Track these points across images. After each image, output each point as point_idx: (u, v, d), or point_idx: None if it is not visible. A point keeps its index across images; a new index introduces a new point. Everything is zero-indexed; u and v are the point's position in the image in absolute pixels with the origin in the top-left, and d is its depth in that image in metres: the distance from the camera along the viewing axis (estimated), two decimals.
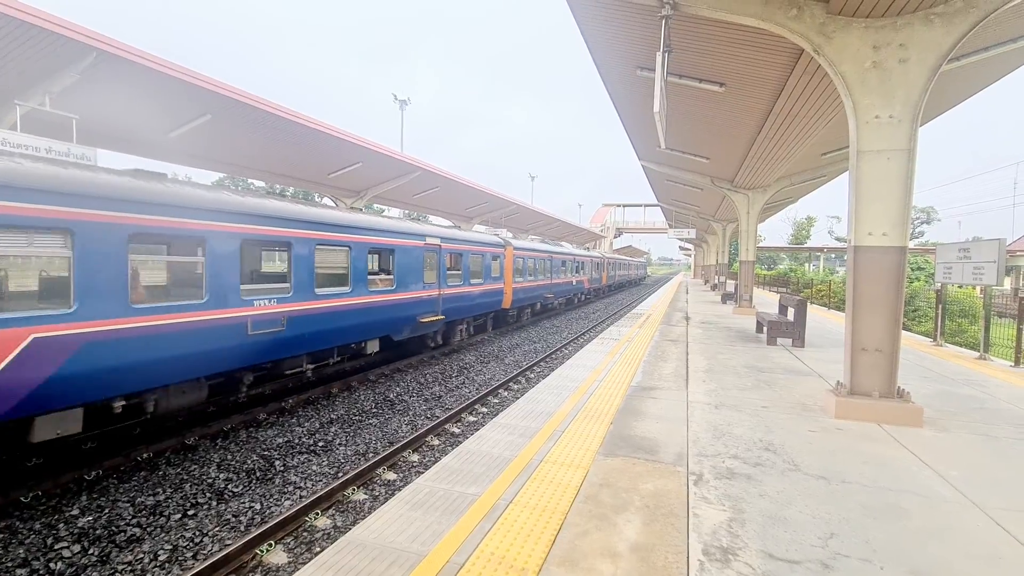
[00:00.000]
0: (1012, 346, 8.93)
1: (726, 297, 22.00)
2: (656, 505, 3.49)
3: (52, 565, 4.36)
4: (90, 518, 5.10)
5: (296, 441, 7.26)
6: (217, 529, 5.02)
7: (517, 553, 2.91)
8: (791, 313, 10.82)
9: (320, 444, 7.21)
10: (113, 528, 4.93)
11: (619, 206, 69.96)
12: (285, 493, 5.79)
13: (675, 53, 6.57)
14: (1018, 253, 39.89)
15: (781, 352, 9.50)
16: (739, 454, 4.41)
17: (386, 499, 5.73)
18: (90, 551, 4.58)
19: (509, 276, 18.10)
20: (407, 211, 28.84)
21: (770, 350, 9.71)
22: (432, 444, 7.46)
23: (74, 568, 4.34)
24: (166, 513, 5.23)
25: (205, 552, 4.65)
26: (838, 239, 60.16)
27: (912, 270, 37.27)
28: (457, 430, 8.10)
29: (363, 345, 10.49)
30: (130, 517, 5.13)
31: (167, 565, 4.45)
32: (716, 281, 31.01)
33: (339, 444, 7.26)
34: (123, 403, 6.12)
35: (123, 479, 5.94)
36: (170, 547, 4.68)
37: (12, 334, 4.84)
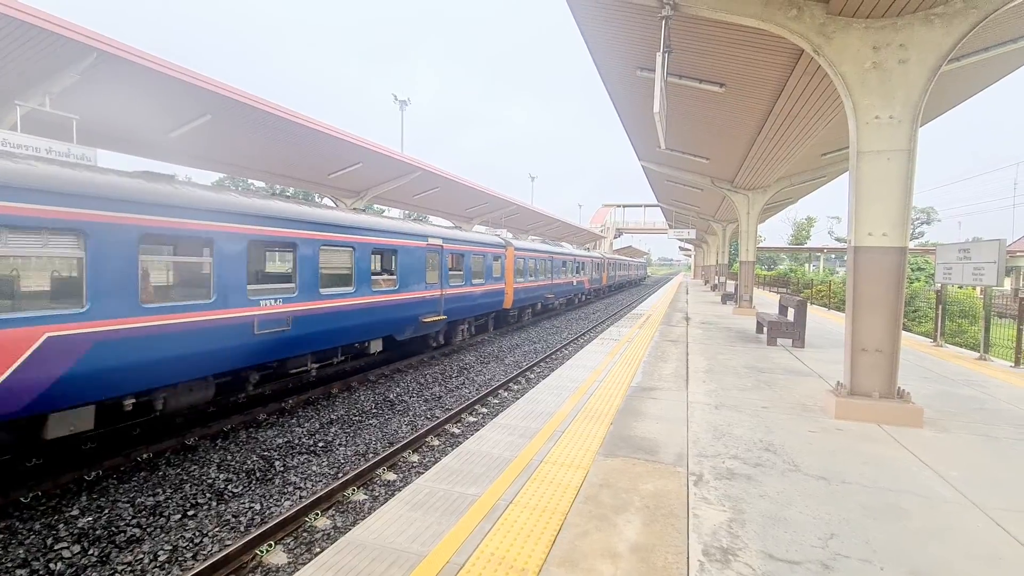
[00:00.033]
0: (1012, 347, 8.93)
1: (726, 297, 22.00)
2: (656, 506, 3.49)
3: (52, 565, 4.36)
4: (90, 518, 5.09)
5: (296, 441, 7.26)
6: (217, 529, 5.02)
7: (517, 553, 2.91)
8: (791, 313, 10.82)
9: (320, 444, 7.20)
10: (113, 528, 4.93)
11: (619, 206, 69.97)
12: (285, 493, 5.79)
13: (675, 53, 6.57)
14: (1018, 254, 39.90)
15: (781, 352, 9.49)
16: (739, 454, 4.41)
17: (386, 499, 5.73)
18: (90, 551, 4.57)
19: (510, 276, 18.12)
20: (407, 212, 28.85)
21: (770, 350, 9.71)
22: (432, 444, 7.46)
23: (74, 568, 4.34)
24: (166, 513, 5.23)
25: (205, 552, 4.65)
26: (838, 239, 60.19)
27: (912, 270, 37.27)
28: (457, 430, 8.10)
29: (367, 345, 10.55)
30: (130, 517, 5.13)
31: (167, 565, 4.44)
32: (716, 281, 31.01)
33: (339, 444, 7.25)
34: (133, 401, 6.23)
35: (123, 479, 5.93)
36: (170, 547, 4.67)
37: (27, 333, 4.95)
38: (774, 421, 5.35)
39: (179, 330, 6.40)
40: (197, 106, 10.96)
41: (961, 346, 12.01)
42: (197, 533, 4.92)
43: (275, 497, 5.69)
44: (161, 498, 5.53)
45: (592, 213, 71.80)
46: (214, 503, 5.51)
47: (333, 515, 5.38)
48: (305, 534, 4.99)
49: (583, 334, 18.75)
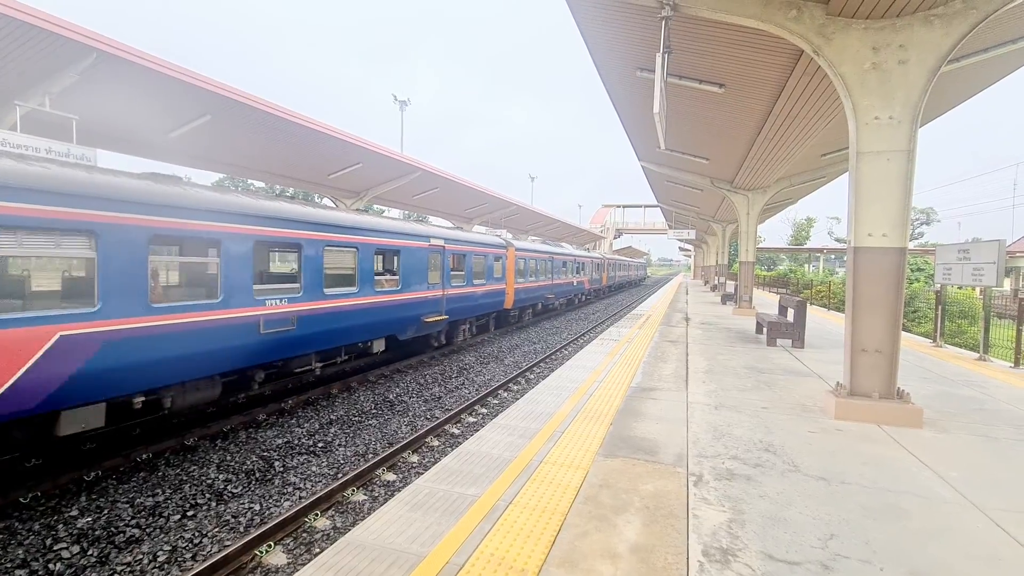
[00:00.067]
0: (1012, 347, 8.93)
1: (726, 298, 22.00)
2: (656, 506, 3.48)
3: (51, 566, 4.35)
4: (89, 519, 5.09)
5: (296, 442, 7.25)
6: (216, 530, 5.02)
7: (517, 554, 2.91)
8: (791, 314, 10.82)
9: (320, 445, 7.20)
10: (112, 529, 4.93)
11: (619, 207, 69.93)
12: (284, 494, 5.78)
13: (675, 54, 6.58)
14: (1017, 254, 39.92)
15: (781, 353, 9.50)
16: (739, 455, 4.41)
17: (386, 500, 5.73)
18: (89, 552, 4.57)
19: (511, 277, 18.15)
20: (407, 212, 28.86)
21: (770, 351, 9.71)
22: (432, 445, 7.45)
23: (73, 569, 4.34)
24: (165, 514, 5.23)
25: (204, 553, 4.64)
26: (838, 240, 60.19)
27: (912, 271, 37.29)
28: (457, 431, 8.09)
29: (369, 344, 10.62)
30: (129, 518, 5.13)
31: (166, 566, 4.44)
32: (716, 282, 31.02)
33: (339, 445, 7.25)
34: (143, 399, 6.32)
35: (122, 480, 5.93)
36: (169, 548, 4.67)
37: (41, 332, 5.04)
38: (774, 421, 5.35)
39: (187, 329, 6.49)
40: (197, 106, 10.96)
41: (961, 347, 12.01)
42: (196, 533, 4.92)
43: (275, 497, 5.68)
44: (160, 498, 5.53)
45: (592, 213, 71.81)
46: (213, 503, 5.50)
47: (333, 515, 5.37)
48: (305, 534, 4.99)
49: (583, 334, 18.75)
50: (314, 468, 6.47)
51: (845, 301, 5.65)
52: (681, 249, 76.79)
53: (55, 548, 4.59)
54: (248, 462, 6.52)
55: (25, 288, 6.56)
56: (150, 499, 5.50)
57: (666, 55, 5.81)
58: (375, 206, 25.37)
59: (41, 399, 5.10)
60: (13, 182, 4.88)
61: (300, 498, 5.69)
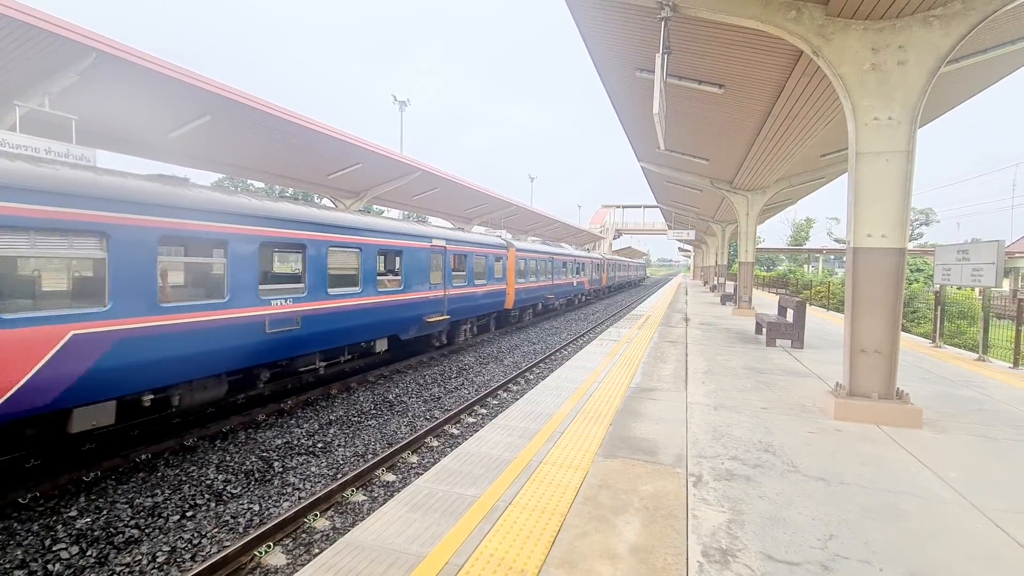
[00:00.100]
0: (1011, 347, 8.94)
1: (725, 298, 22.01)
2: (655, 507, 3.48)
3: (50, 567, 4.35)
4: (88, 519, 5.08)
5: (295, 442, 7.25)
6: (215, 530, 5.01)
7: (516, 554, 2.91)
8: (790, 314, 10.82)
9: (319, 445, 7.19)
10: (111, 529, 4.92)
11: (618, 207, 69.95)
12: (284, 494, 5.78)
13: (674, 55, 6.58)
14: (1017, 255, 39.97)
15: (780, 353, 9.50)
16: (738, 455, 4.41)
17: (385, 500, 5.72)
18: (88, 552, 4.56)
19: (511, 277, 18.20)
20: (407, 212, 28.86)
21: (769, 351, 9.71)
22: (431, 445, 7.45)
23: (72, 570, 4.33)
24: (164, 514, 5.22)
25: (203, 554, 4.63)
26: (837, 240, 60.24)
27: (911, 271, 37.31)
28: (456, 431, 8.09)
29: (372, 344, 10.72)
30: (128, 518, 5.12)
31: (165, 567, 4.43)
32: (715, 282, 31.03)
33: (338, 445, 7.24)
34: (152, 397, 6.43)
35: (121, 480, 5.92)
36: (168, 548, 4.66)
37: (54, 331, 5.14)
38: (773, 422, 5.36)
39: (195, 328, 6.59)
40: (197, 106, 10.96)
41: (960, 347, 12.01)
42: (196, 534, 4.91)
43: (274, 498, 5.68)
44: (160, 499, 5.52)
45: (591, 214, 71.86)
46: (213, 504, 5.50)
47: (332, 516, 5.37)
48: (304, 535, 4.98)
49: (582, 335, 18.75)
50: (313, 468, 6.46)
51: (844, 302, 5.65)
52: (681, 250, 76.83)
53: (54, 549, 4.58)
54: (247, 462, 6.51)
55: (39, 288, 6.68)
56: (149, 499, 5.50)
57: (666, 56, 5.81)
58: (375, 206, 25.37)
59: (54, 396, 5.20)
60: (29, 184, 4.99)
61: (299, 499, 5.68)
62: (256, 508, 5.44)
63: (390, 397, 9.62)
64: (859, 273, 5.42)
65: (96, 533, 4.85)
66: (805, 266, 56.62)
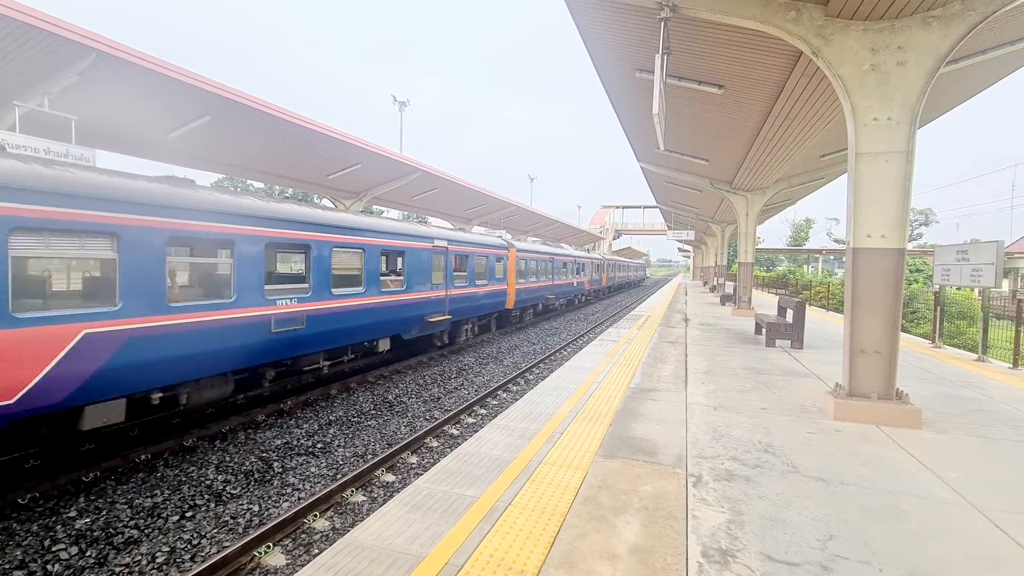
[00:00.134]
0: (1010, 348, 8.94)
1: (725, 299, 22.02)
2: (655, 507, 3.48)
3: (49, 567, 4.34)
4: (88, 520, 5.08)
5: (295, 443, 7.25)
6: (215, 531, 5.01)
7: (516, 555, 2.91)
8: (790, 315, 10.83)
9: (319, 446, 7.19)
10: (111, 530, 4.92)
11: (618, 207, 69.97)
12: (283, 495, 5.78)
13: (674, 55, 6.59)
14: (1016, 255, 39.99)
15: (780, 354, 9.50)
16: (738, 456, 4.41)
17: (385, 501, 5.72)
18: (88, 553, 4.56)
19: (512, 277, 18.25)
20: (406, 213, 28.85)
21: (769, 352, 9.72)
22: (431, 446, 7.45)
23: (71, 570, 4.33)
24: (164, 515, 5.22)
25: (203, 554, 4.63)
26: (836, 241, 60.26)
27: (911, 272, 37.32)
28: (456, 432, 8.09)
29: (375, 343, 10.83)
30: (128, 519, 5.12)
31: (165, 567, 4.43)
32: (715, 283, 31.04)
33: (338, 446, 7.24)
34: (160, 395, 6.56)
35: (121, 481, 5.92)
36: (168, 549, 4.66)
37: (67, 330, 5.25)
38: (773, 422, 5.36)
39: (203, 327, 6.70)
40: (196, 107, 10.96)
41: (959, 347, 12.02)
42: (195, 534, 4.91)
43: (273, 498, 5.67)
44: (159, 499, 5.52)
45: (591, 214, 71.85)
46: (212, 504, 5.49)
47: (332, 516, 5.37)
48: (304, 535, 4.98)
49: (582, 335, 18.75)
50: (313, 469, 6.46)
51: (844, 302, 5.65)
52: (680, 250, 76.83)
53: (53, 549, 4.58)
54: (247, 463, 6.51)
55: (51, 287, 6.80)
56: (149, 500, 5.49)
57: (665, 56, 5.82)
58: (374, 207, 25.36)
59: (67, 394, 5.31)
60: (43, 186, 5.10)
61: (299, 499, 5.68)
62: (256, 508, 5.43)
63: (390, 397, 9.62)
64: (859, 273, 5.42)
65: (95, 533, 4.85)
66: (805, 266, 56.63)
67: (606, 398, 6.27)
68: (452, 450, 7.07)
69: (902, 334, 8.21)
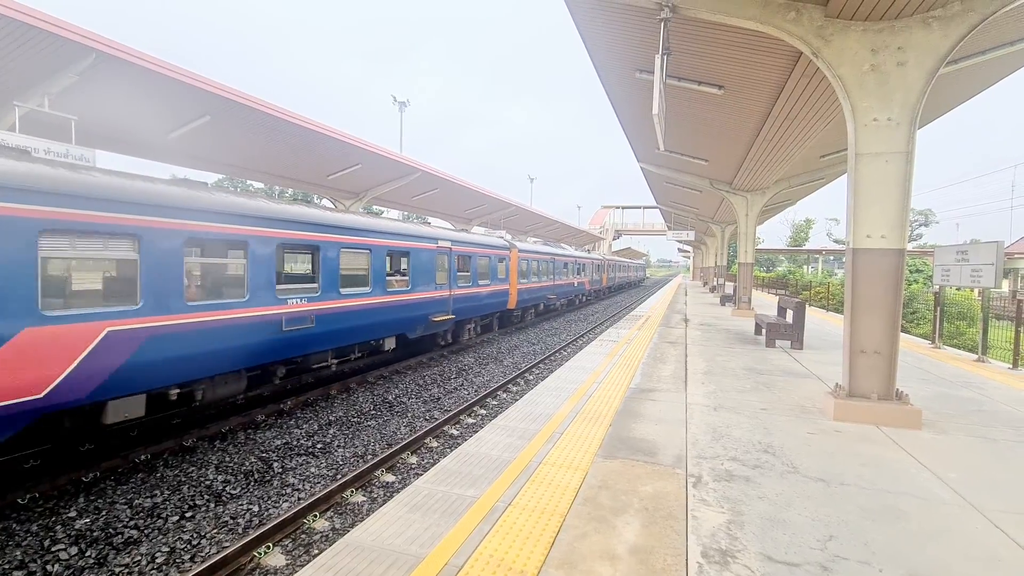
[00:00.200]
0: (1010, 348, 8.94)
1: (725, 299, 22.02)
2: (655, 507, 3.48)
3: (49, 567, 4.34)
4: (87, 520, 5.08)
5: (294, 443, 7.24)
6: (215, 531, 5.01)
7: (516, 555, 2.91)
8: (790, 315, 10.83)
9: (319, 446, 7.19)
10: (110, 530, 4.91)
11: (618, 208, 69.96)
12: (283, 495, 5.77)
13: (674, 56, 6.59)
14: (1016, 255, 40.00)
15: (780, 354, 9.50)
16: (738, 456, 4.41)
17: (385, 501, 5.72)
18: (87, 553, 4.56)
19: (514, 278, 18.35)
20: (406, 213, 28.85)
21: (769, 352, 9.72)
22: (431, 446, 7.45)
23: (71, 570, 4.33)
24: (164, 515, 5.22)
25: (203, 554, 4.63)
26: (836, 241, 60.25)
27: (910, 272, 37.32)
28: (456, 432, 8.09)
29: (381, 342, 11.02)
30: (127, 519, 5.12)
31: (164, 567, 4.43)
32: (715, 283, 31.04)
33: (337, 446, 7.24)
34: (178, 391, 6.76)
35: (121, 481, 5.92)
36: (167, 549, 4.66)
37: (92, 327, 5.47)
38: (773, 423, 5.36)
39: (218, 326, 6.91)
40: (196, 107, 10.95)
41: (959, 348, 12.02)
42: (195, 535, 4.91)
43: (273, 499, 5.67)
44: (159, 499, 5.52)
45: (591, 214, 71.83)
46: (212, 505, 5.49)
47: (332, 517, 5.37)
48: (303, 536, 4.98)
49: (582, 335, 18.75)
50: (313, 469, 6.46)
51: (844, 302, 5.65)
52: (680, 250, 76.84)
53: (53, 549, 4.58)
54: (247, 463, 6.51)
55: (77, 287, 7.02)
56: (148, 500, 5.49)
57: (665, 57, 5.82)
58: (374, 207, 25.37)
59: (92, 389, 5.51)
60: (70, 190, 5.30)
61: (299, 499, 5.68)
62: (255, 509, 5.43)
63: (390, 398, 9.62)
64: (859, 274, 5.42)
65: (95, 534, 4.85)
66: (804, 267, 56.63)
67: (606, 398, 6.26)
68: (452, 450, 7.07)
69: (902, 334, 8.21)
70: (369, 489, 6.02)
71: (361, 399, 9.48)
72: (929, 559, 2.91)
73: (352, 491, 5.85)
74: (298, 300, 8.29)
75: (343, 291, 9.31)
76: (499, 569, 2.78)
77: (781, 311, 12.11)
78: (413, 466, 6.76)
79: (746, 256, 17.20)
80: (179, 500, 5.53)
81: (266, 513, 5.37)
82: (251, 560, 4.52)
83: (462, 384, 10.97)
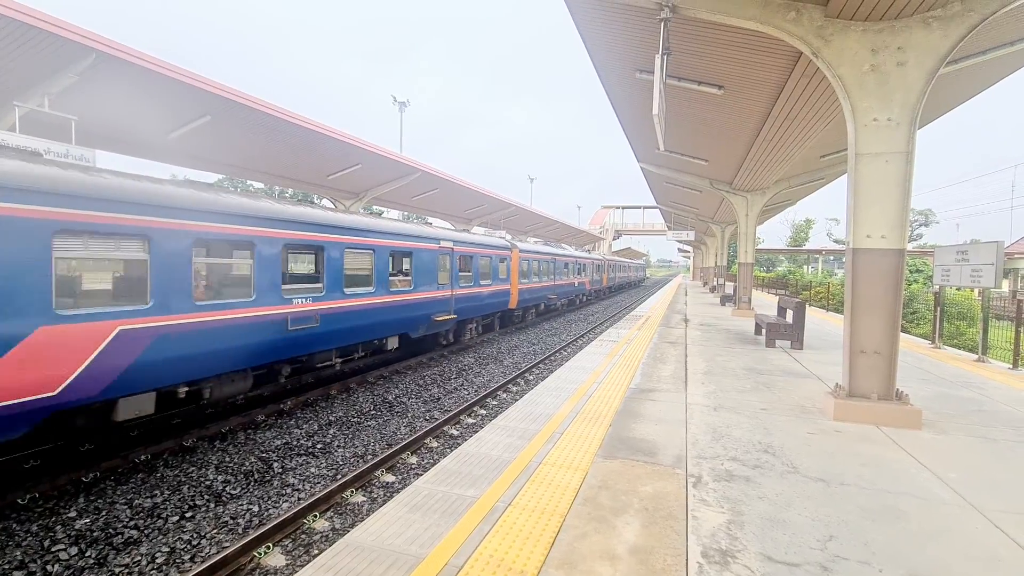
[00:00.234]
0: (1010, 348, 8.94)
1: (725, 299, 22.02)
2: (655, 507, 3.48)
3: (49, 568, 4.34)
4: (87, 520, 5.08)
5: (294, 443, 7.24)
6: (215, 531, 5.01)
7: (516, 556, 2.91)
8: (790, 315, 10.83)
9: (319, 446, 7.19)
10: (110, 530, 4.91)
11: (618, 208, 69.94)
12: (283, 495, 5.77)
13: (674, 56, 6.59)
14: (1016, 255, 39.99)
15: (780, 354, 9.50)
16: (738, 456, 4.41)
17: (385, 501, 5.72)
18: (87, 553, 4.56)
19: (515, 278, 18.41)
20: (406, 213, 28.85)
21: (769, 352, 9.72)
22: (431, 446, 7.45)
23: (71, 571, 4.33)
24: (164, 515, 5.22)
25: (203, 555, 4.63)
26: (836, 241, 60.25)
27: (911, 272, 37.33)
28: (456, 432, 8.09)
29: (385, 342, 11.13)
30: (127, 519, 5.12)
31: (164, 568, 4.43)
32: (715, 283, 31.04)
33: (337, 446, 7.24)
34: (186, 389, 6.86)
35: (121, 481, 5.92)
36: (167, 549, 4.66)
37: (103, 326, 5.58)
38: (773, 423, 5.36)
39: (225, 325, 7.02)
40: (196, 107, 10.95)
41: (959, 348, 12.02)
42: (195, 535, 4.91)
43: (273, 499, 5.67)
44: (159, 500, 5.52)
45: (591, 214, 71.82)
46: (212, 505, 5.49)
47: (332, 517, 5.37)
48: (303, 536, 4.98)
49: (582, 335, 18.75)
50: (313, 469, 6.46)
51: (844, 302, 5.65)
52: (680, 250, 76.84)
53: (53, 549, 4.58)
54: (247, 463, 6.51)
55: (89, 287, 7.17)
56: (148, 500, 5.49)
57: (665, 57, 5.82)
58: (374, 207, 25.38)
59: (104, 386, 5.62)
60: (84, 192, 5.41)
61: (299, 499, 5.68)
62: (255, 509, 5.43)
63: (389, 398, 9.62)
64: (859, 274, 5.42)
65: (95, 534, 4.85)
66: (804, 267, 56.62)
67: (606, 398, 6.26)
68: (452, 450, 7.07)
69: (902, 334, 8.21)
70: (369, 489, 6.02)
71: (361, 399, 9.48)
72: (929, 559, 2.91)
73: (352, 491, 5.85)
74: (303, 300, 8.37)
75: (347, 291, 9.41)
76: (499, 569, 2.78)
77: (781, 311, 12.10)
78: (413, 466, 6.76)
79: (746, 256, 17.20)
80: (179, 500, 5.53)
81: (266, 513, 5.37)
82: (251, 560, 4.52)
83: (462, 384, 10.97)
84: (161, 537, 4.85)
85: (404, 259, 12.17)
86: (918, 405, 5.40)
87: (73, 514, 5.18)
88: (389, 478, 6.35)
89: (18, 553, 4.50)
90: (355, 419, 8.38)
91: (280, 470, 6.38)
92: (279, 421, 8.14)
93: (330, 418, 8.35)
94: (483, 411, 9.22)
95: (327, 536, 4.99)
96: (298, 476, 6.25)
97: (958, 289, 14.78)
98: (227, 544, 4.77)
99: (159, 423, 7.45)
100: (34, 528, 4.89)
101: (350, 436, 7.63)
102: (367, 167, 16.97)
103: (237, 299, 7.29)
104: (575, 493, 3.70)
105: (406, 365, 12.20)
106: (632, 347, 10.12)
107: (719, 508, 3.48)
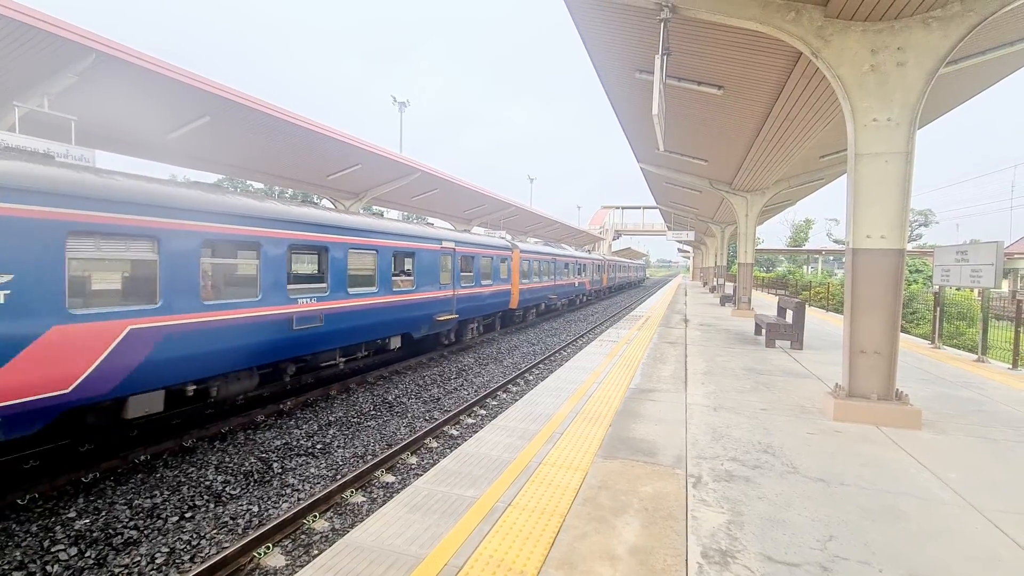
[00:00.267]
0: (1010, 348, 8.94)
1: (725, 299, 22.02)
2: (655, 507, 3.48)
3: (49, 568, 4.34)
4: (87, 520, 5.08)
5: (294, 443, 7.24)
6: (214, 532, 5.00)
7: (516, 556, 2.91)
8: (790, 315, 10.83)
9: (318, 446, 7.19)
10: (110, 531, 4.91)
11: (618, 208, 69.92)
12: (283, 495, 5.77)
13: (674, 56, 6.59)
14: (1016, 255, 39.99)
15: (779, 354, 9.50)
16: (738, 456, 4.41)
17: (384, 501, 5.72)
18: (87, 554, 4.56)
19: (516, 278, 18.47)
20: (406, 213, 28.85)
21: (769, 352, 9.72)
22: (431, 447, 7.44)
23: (71, 571, 4.32)
24: (163, 516, 5.21)
25: (202, 555, 4.63)
26: (836, 241, 60.25)
27: (910, 272, 37.35)
28: (456, 432, 8.08)
29: (387, 341, 11.22)
30: (127, 520, 5.11)
31: (164, 568, 4.43)
32: (715, 283, 31.04)
33: (337, 446, 7.24)
34: (194, 387, 6.98)
35: (120, 481, 5.92)
36: (167, 550, 4.66)
37: (114, 325, 5.69)
38: (773, 423, 5.36)
39: (232, 324, 7.13)
40: (196, 107, 10.95)
41: (959, 348, 12.02)
42: (194, 535, 4.90)
43: (273, 499, 5.67)
44: (159, 500, 5.51)
45: (591, 214, 71.82)
46: (212, 505, 5.49)
47: (331, 517, 5.36)
48: (303, 536, 4.98)
49: (582, 335, 18.75)
50: (313, 469, 6.45)
51: (844, 303, 5.65)
52: (680, 251, 76.82)
53: (52, 550, 4.58)
54: (246, 463, 6.51)
55: (101, 287, 7.29)
56: (148, 501, 5.49)
57: (665, 57, 5.82)
58: (374, 207, 25.37)
59: (115, 384, 5.72)
60: (96, 194, 5.51)
61: (299, 499, 5.68)
62: (255, 509, 5.43)
63: (389, 398, 9.62)
64: (858, 274, 5.42)
65: (95, 534, 4.85)
66: (804, 267, 56.63)
67: (606, 399, 6.26)
68: (452, 451, 7.07)
69: (902, 335, 8.21)
70: (369, 489, 6.02)
71: (361, 399, 9.48)
72: (929, 559, 2.91)
73: (352, 491, 5.85)
74: (308, 300, 8.48)
75: (351, 291, 9.51)
76: (499, 569, 2.78)
77: (781, 311, 12.11)
78: (413, 466, 6.76)
79: (746, 256, 17.21)
80: (179, 500, 5.53)
81: (266, 513, 5.37)
82: (251, 560, 4.52)
83: (462, 384, 10.97)
84: (161, 537, 4.85)
85: (407, 259, 12.24)
86: (918, 405, 5.40)
87: (73, 514, 5.17)
88: (389, 478, 6.35)
89: (18, 553, 4.50)
90: (355, 419, 8.38)
91: (280, 470, 6.38)
92: (279, 421, 8.14)
93: (330, 418, 8.35)
94: (483, 411, 9.22)
95: (327, 536, 4.99)
96: (298, 476, 6.24)
97: (958, 289, 14.79)
98: (227, 544, 4.77)
99: (159, 423, 7.45)
100: (34, 528, 4.89)
101: (350, 436, 7.63)
102: (367, 167, 16.97)
103: (243, 299, 7.39)
104: (575, 493, 3.70)
105: (406, 365, 12.20)
106: (632, 347, 10.12)
107: (719, 508, 3.48)
